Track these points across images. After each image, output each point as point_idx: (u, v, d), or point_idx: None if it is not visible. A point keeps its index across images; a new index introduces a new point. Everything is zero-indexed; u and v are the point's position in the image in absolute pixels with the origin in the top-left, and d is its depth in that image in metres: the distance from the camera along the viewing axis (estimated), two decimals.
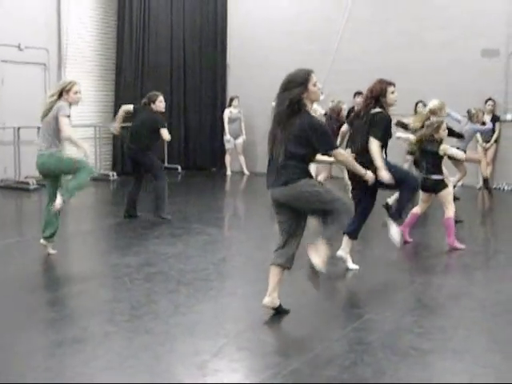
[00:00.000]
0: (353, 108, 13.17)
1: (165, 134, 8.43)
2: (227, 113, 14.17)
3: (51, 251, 6.66)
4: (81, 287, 5.76)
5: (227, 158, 14.42)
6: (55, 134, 6.34)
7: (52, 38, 12.54)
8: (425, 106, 12.74)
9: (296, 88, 4.63)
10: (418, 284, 5.89)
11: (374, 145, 5.82)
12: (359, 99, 13.21)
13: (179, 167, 14.69)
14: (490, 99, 12.26)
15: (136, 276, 5.87)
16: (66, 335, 4.47)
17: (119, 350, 4.20)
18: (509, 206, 10.89)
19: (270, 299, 4.84)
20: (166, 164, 14.40)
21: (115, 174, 13.21)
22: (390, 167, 5.86)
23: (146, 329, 4.55)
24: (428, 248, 7.62)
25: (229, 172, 14.29)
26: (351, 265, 6.19)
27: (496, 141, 12.32)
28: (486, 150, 12.27)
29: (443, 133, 7.16)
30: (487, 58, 12.52)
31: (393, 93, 5.99)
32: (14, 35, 11.68)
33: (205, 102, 15.22)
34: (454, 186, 10.12)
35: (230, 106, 14.25)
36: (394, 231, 6.17)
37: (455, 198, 10.39)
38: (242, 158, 14.38)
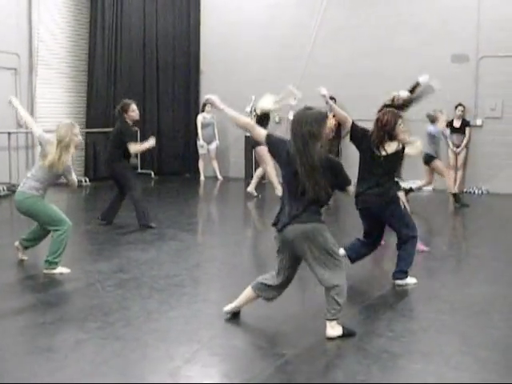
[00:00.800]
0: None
1: (132, 148, 8.37)
2: (200, 118, 14.15)
3: (23, 257, 6.60)
4: (52, 293, 5.70)
5: (201, 164, 14.40)
6: (49, 183, 6.29)
7: (23, 43, 12.42)
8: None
9: (319, 127, 4.39)
10: (389, 287, 5.93)
11: None
12: None
13: (152, 173, 14.65)
14: (460, 105, 12.41)
15: (108, 282, 5.84)
16: (37, 343, 4.44)
17: (91, 357, 4.17)
18: (479, 209, 11.03)
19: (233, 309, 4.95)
20: (139, 170, 14.35)
21: (87, 179, 13.12)
22: (405, 214, 5.98)
23: (118, 335, 4.53)
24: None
25: (202, 177, 14.27)
26: None
27: (466, 146, 12.48)
28: (456, 154, 12.43)
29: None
30: (457, 63, 12.69)
31: (400, 125, 5.89)
32: None
33: (178, 107, 15.19)
34: (411, 190, 10.30)
35: (203, 111, 14.23)
36: (411, 281, 6.04)
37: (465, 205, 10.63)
38: (215, 163, 14.37)
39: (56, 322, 4.93)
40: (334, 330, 4.56)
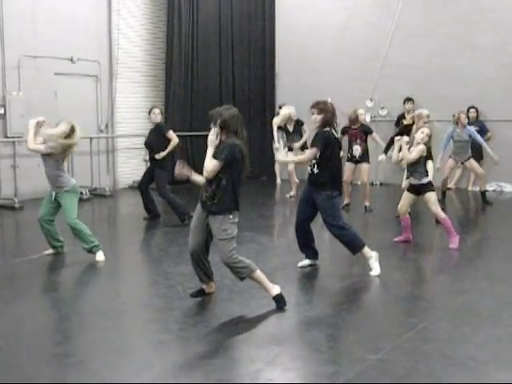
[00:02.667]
0: (403, 114, 13.05)
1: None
2: (276, 121, 14.16)
3: (102, 258, 6.81)
4: (134, 296, 5.83)
5: (277, 167, 14.43)
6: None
7: (103, 51, 12.81)
8: (477, 111, 12.53)
9: None
10: (472, 292, 5.77)
11: None
12: (409, 105, 13.08)
13: None
14: None
15: (189, 285, 5.90)
16: (121, 343, 4.54)
17: (174, 358, 4.23)
18: None
19: None
20: None
21: None
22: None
23: (200, 337, 4.58)
24: (479, 256, 7.50)
25: (278, 180, 14.29)
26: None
27: None
28: None
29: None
30: None
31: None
32: (66, 48, 11.98)
33: (254, 110, 15.29)
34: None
35: (278, 113, 14.24)
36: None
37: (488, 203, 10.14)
38: (291, 166, 14.34)
39: (138, 322, 5.05)
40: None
